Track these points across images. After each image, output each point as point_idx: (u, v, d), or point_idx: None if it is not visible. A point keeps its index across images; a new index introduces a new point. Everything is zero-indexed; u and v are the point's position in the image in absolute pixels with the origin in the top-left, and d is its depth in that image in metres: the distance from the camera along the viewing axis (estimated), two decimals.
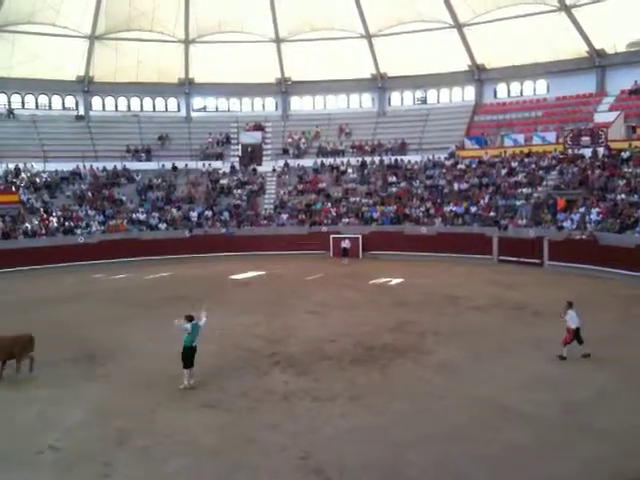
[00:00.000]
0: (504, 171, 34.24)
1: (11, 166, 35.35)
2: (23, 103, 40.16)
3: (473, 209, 32.28)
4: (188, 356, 13.24)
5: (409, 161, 38.06)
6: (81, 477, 9.62)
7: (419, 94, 43.05)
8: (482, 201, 32.61)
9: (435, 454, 9.95)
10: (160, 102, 43.48)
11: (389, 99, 43.50)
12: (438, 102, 42.44)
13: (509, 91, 41.10)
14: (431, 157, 37.48)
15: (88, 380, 13.87)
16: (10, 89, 39.36)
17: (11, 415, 11.91)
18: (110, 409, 12.15)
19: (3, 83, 38.55)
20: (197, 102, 43.90)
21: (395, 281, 25.76)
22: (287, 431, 11.00)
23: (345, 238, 32.21)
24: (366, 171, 38.04)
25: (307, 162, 39.68)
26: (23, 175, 35.24)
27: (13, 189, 33.87)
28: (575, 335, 14.20)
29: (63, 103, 41.36)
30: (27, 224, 31.62)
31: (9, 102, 39.55)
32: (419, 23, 39.27)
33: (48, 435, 10.95)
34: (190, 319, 13.47)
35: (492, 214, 31.48)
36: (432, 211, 33.27)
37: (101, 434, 11.00)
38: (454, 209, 32.66)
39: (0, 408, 12.28)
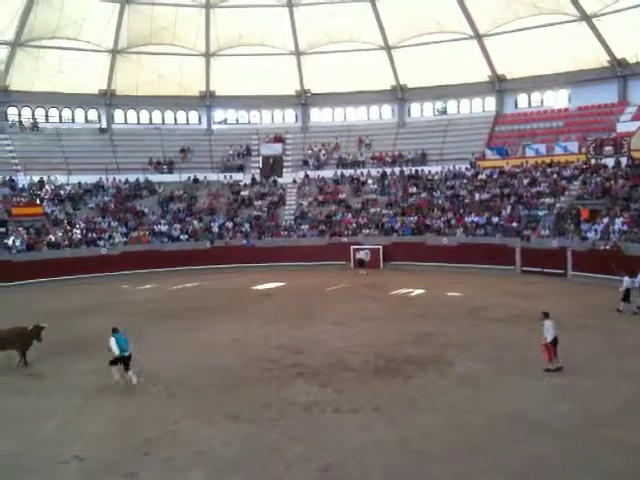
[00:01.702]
0: (526, 181, 34.03)
1: (35, 178, 35.93)
2: (47, 117, 40.83)
3: (495, 220, 32.08)
4: (117, 361, 14.00)
5: (429, 172, 37.99)
6: None
7: (439, 105, 43.03)
8: (504, 211, 32.41)
9: (458, 467, 9.87)
10: (181, 115, 43.95)
11: (409, 110, 43.52)
12: (458, 113, 42.36)
13: (530, 101, 40.89)
14: (452, 167, 37.40)
15: (112, 390, 13.96)
16: (34, 103, 40.05)
17: (37, 425, 12.04)
18: (134, 419, 12.23)
19: (27, 97, 39.22)
20: (218, 115, 44.30)
21: (416, 292, 25.66)
22: (309, 443, 10.99)
23: (362, 249, 32.14)
24: (386, 182, 38.05)
25: (327, 173, 39.80)
26: (47, 187, 35.79)
27: (37, 201, 34.42)
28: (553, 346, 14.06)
29: (86, 116, 41.98)
30: (51, 236, 32.07)
31: (33, 116, 40.24)
32: (438, 34, 39.32)
33: (73, 445, 11.05)
34: (115, 331, 14.19)
35: (514, 225, 31.26)
36: (453, 222, 33.14)
37: (125, 444, 11.08)
38: (476, 220, 32.50)
39: (27, 418, 12.43)
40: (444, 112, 42.92)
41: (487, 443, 10.67)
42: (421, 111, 43.52)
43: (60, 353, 16.00)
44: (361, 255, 31.79)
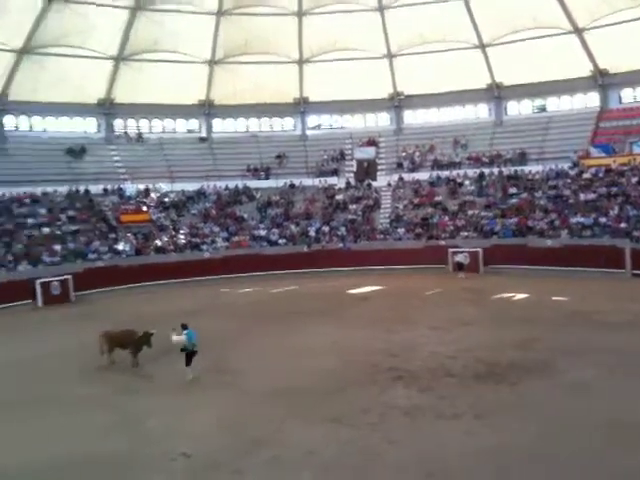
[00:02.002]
0: (635, 180, 32.18)
1: (141, 187, 37.75)
2: (150, 127, 42.80)
3: (602, 220, 30.52)
4: (189, 357, 15.06)
5: (530, 171, 36.69)
6: None
7: (538, 102, 41.53)
8: (611, 212, 30.78)
9: (569, 476, 9.47)
10: (277, 122, 44.81)
11: (506, 108, 42.26)
12: (558, 109, 40.68)
13: (636, 96, 38.67)
14: (553, 167, 35.93)
15: (218, 389, 14.46)
16: (138, 114, 42.05)
17: (146, 423, 12.61)
18: (239, 418, 12.57)
19: (132, 109, 41.24)
20: (312, 120, 44.83)
21: (519, 296, 24.81)
22: (411, 448, 10.89)
23: (460, 252, 31.51)
24: (484, 183, 37.11)
25: (422, 175, 39.30)
26: (152, 195, 37.52)
27: (144, 208, 36.17)
28: None
29: (187, 126, 43.63)
30: (158, 241, 33.59)
31: (138, 127, 42.31)
32: (535, 30, 37.97)
33: (180, 442, 11.49)
34: (185, 327, 15.27)
35: (623, 225, 29.62)
36: (557, 223, 31.82)
37: (231, 443, 11.39)
38: (581, 220, 31.04)
39: (138, 415, 13.06)
40: (543, 109, 41.36)
41: (601, 453, 10.17)
42: (519, 109, 42.16)
43: (167, 354, 16.68)
44: (460, 258, 31.18)
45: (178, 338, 15.16)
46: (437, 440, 11.15)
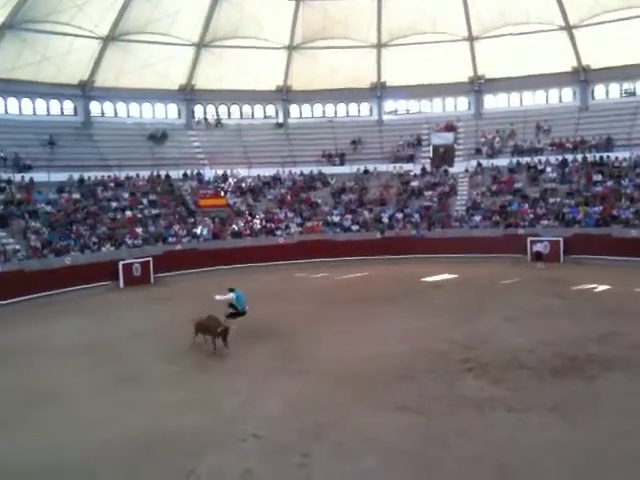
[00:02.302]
0: None
1: (220, 172, 38.52)
2: (229, 113, 43.48)
3: None
4: (238, 315, 17.79)
5: (616, 158, 34.95)
6: (282, 465, 10.19)
7: (627, 86, 39.42)
8: None
9: None
10: (353, 107, 44.56)
11: (592, 92, 40.34)
12: None
13: None
14: None
15: (287, 373, 14.65)
16: (218, 100, 42.72)
17: (220, 403, 12.95)
18: (307, 403, 12.71)
19: (212, 95, 41.91)
20: (389, 105, 44.31)
21: (601, 288, 23.80)
22: (482, 440, 10.70)
23: (539, 241, 30.50)
24: (567, 170, 35.66)
25: (501, 162, 38.15)
26: (230, 180, 38.21)
27: (222, 193, 36.93)
28: None
29: (264, 112, 44.05)
30: (234, 225, 34.25)
31: (217, 112, 43.07)
32: (627, 10, 35.92)
33: (251, 424, 11.74)
34: (232, 290, 17.81)
35: None
36: None
37: (299, 426, 11.54)
38: None
39: (211, 396, 13.39)
40: (632, 94, 39.21)
41: None
42: (606, 93, 40.12)
43: (242, 336, 17.01)
44: (539, 247, 30.18)
45: (222, 297, 17.62)
46: (508, 433, 10.93)
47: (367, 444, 10.69)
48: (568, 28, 38.00)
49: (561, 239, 30.66)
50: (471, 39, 40.31)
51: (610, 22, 36.55)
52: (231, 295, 17.87)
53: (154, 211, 33.74)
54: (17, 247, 27.30)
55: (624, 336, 16.45)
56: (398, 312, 20.61)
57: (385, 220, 35.24)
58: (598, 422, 11.08)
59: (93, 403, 13.24)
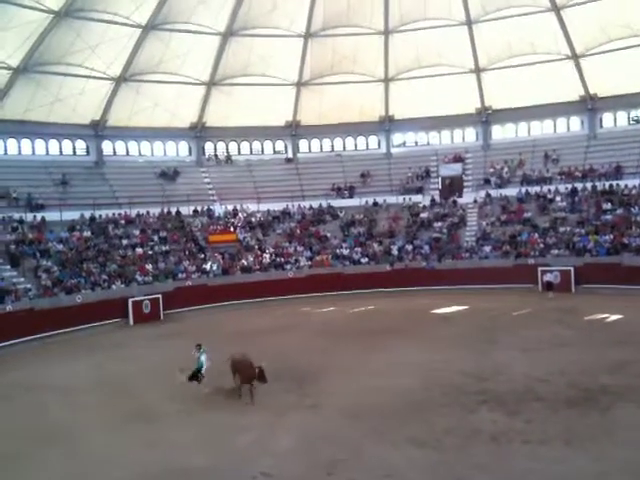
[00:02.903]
0: None
1: (230, 207, 38.79)
2: (239, 149, 43.96)
3: None
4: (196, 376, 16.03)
5: (626, 186, 34.87)
6: None
7: (634, 114, 39.51)
8: None
9: None
10: (361, 141, 44.92)
11: (601, 121, 40.48)
12: None
13: None
14: None
15: (298, 408, 14.50)
16: (228, 137, 43.27)
17: (230, 440, 12.80)
18: (319, 438, 12.55)
19: (222, 132, 42.52)
20: (397, 138, 44.63)
21: (613, 317, 23.53)
22: (498, 473, 10.54)
23: (549, 271, 30.25)
24: (577, 198, 35.58)
25: (510, 192, 38.15)
26: (240, 215, 38.43)
27: (232, 229, 37.10)
28: None
29: (274, 147, 44.42)
30: (244, 260, 34.31)
31: (227, 149, 43.55)
32: (632, 39, 36.20)
33: (262, 461, 11.57)
34: (199, 347, 16.40)
35: None
36: None
37: (311, 462, 11.38)
38: None
39: (221, 434, 13.25)
40: None
41: None
42: (614, 121, 40.22)
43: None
44: (549, 277, 29.95)
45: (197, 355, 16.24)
46: (525, 466, 10.72)
47: None
48: (574, 57, 38.33)
49: (572, 268, 30.46)
50: (478, 71, 40.71)
51: (616, 50, 36.84)
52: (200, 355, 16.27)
53: (164, 247, 33.90)
54: (28, 286, 27.43)
55: (637, 366, 16.21)
56: (409, 345, 20.42)
57: (395, 252, 35.18)
58: (612, 453, 10.88)
59: (102, 441, 13.14)
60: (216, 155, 42.85)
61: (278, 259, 34.84)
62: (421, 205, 39.26)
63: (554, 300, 27.98)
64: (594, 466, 10.43)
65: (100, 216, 34.50)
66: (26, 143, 36.46)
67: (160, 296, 29.56)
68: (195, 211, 37.78)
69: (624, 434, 11.67)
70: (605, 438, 11.57)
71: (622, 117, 39.98)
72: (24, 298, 26.54)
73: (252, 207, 39.28)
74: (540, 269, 30.97)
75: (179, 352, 21.28)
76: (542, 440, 11.69)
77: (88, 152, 38.79)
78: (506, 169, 39.83)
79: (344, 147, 44.53)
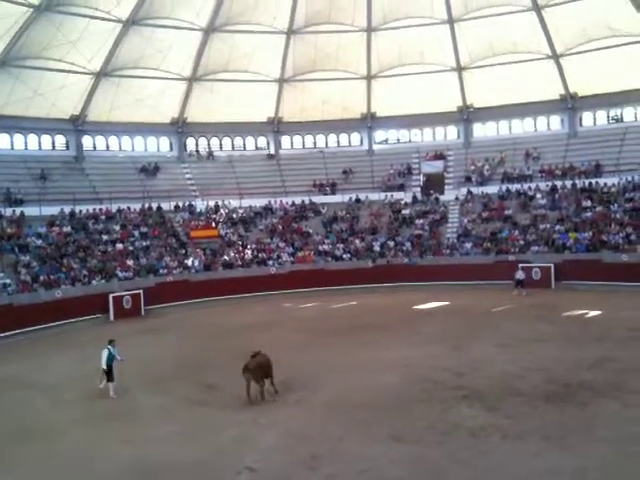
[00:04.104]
0: None
1: (211, 203, 38.59)
2: (221, 145, 43.79)
3: None
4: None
5: (605, 184, 35.32)
6: None
7: (614, 112, 40.00)
8: None
9: None
10: (344, 137, 44.94)
11: (580, 119, 40.91)
12: (636, 120, 39.05)
13: None
14: (630, 178, 34.47)
15: (282, 405, 14.50)
16: (209, 133, 43.07)
17: (214, 436, 12.78)
18: (302, 434, 12.58)
19: (203, 128, 42.31)
20: (379, 135, 44.75)
21: (592, 313, 23.83)
22: (476, 468, 10.62)
23: (519, 269, 30.32)
24: (557, 196, 35.97)
25: (491, 189, 38.46)
26: (222, 211, 38.31)
27: (213, 224, 36.96)
28: None
29: (256, 143, 44.32)
30: (225, 256, 34.21)
31: (209, 145, 43.36)
32: (611, 39, 36.64)
33: (246, 456, 11.59)
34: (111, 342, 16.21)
35: None
36: (633, 237, 30.46)
37: (294, 458, 11.42)
38: None
39: (205, 429, 13.23)
40: (619, 120, 39.79)
41: None
42: (594, 120, 40.69)
43: (236, 367, 16.84)
44: (519, 275, 29.95)
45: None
46: (503, 461, 10.82)
47: (361, 476, 10.56)
48: (555, 57, 38.69)
49: (552, 265, 30.79)
50: (459, 69, 40.94)
51: (596, 50, 37.23)
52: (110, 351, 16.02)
53: (145, 243, 33.70)
54: (7, 281, 27.14)
55: (615, 362, 16.44)
56: (390, 341, 20.53)
57: (377, 249, 35.32)
58: (590, 449, 11.00)
59: (83, 438, 13.06)
60: (197, 151, 42.64)
61: (260, 255, 34.80)
62: (403, 202, 39.43)
63: (534, 296, 28.13)
64: (572, 461, 10.55)
65: (80, 211, 34.22)
66: (4, 137, 36.07)
67: (141, 292, 29.41)
68: (176, 207, 37.59)
69: (602, 430, 11.81)
70: (583, 434, 11.71)
71: (602, 116, 40.46)
72: (3, 293, 26.29)
73: (234, 203, 39.15)
74: (520, 266, 31.13)
75: (160, 347, 21.40)
76: (520, 435, 11.80)
77: (68, 147, 38.44)
78: (487, 167, 40.14)
79: (326, 144, 44.54)
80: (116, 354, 16.03)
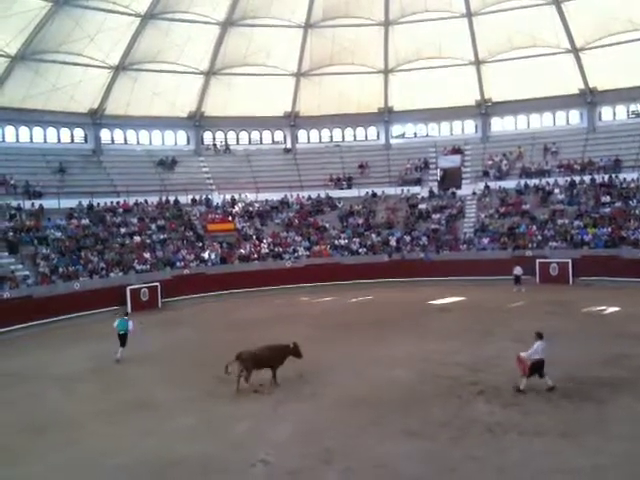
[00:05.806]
0: None
1: (228, 197, 38.74)
2: (238, 139, 43.87)
3: None
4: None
5: (624, 179, 34.93)
6: None
7: (633, 107, 39.48)
8: None
9: None
10: (360, 131, 44.84)
11: (600, 114, 40.44)
12: None
13: None
14: None
15: (296, 398, 14.52)
16: (226, 127, 43.18)
17: (229, 428, 12.83)
18: (317, 428, 12.58)
19: (220, 121, 42.41)
20: (396, 129, 44.56)
21: (610, 310, 23.60)
22: (492, 465, 10.56)
23: (517, 265, 29.90)
24: (575, 191, 35.64)
25: (509, 184, 38.18)
26: (238, 205, 38.42)
27: (230, 218, 37.09)
28: (534, 368, 13.91)
29: (273, 137, 44.37)
30: (242, 250, 34.33)
31: (226, 139, 43.45)
32: (632, 33, 36.10)
33: (260, 449, 11.62)
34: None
35: None
36: None
37: (308, 451, 11.42)
38: None
39: (220, 422, 13.28)
40: (639, 115, 39.26)
41: None
42: (613, 115, 40.21)
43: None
44: (517, 271, 29.59)
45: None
46: (520, 457, 10.76)
47: (376, 470, 10.56)
48: (574, 51, 38.25)
49: (570, 261, 30.54)
50: (478, 63, 40.62)
51: (616, 44, 36.78)
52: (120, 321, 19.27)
53: (162, 236, 33.90)
54: (26, 273, 27.47)
55: (633, 359, 16.28)
56: (406, 336, 20.47)
57: (393, 243, 35.23)
58: (607, 447, 10.90)
59: (101, 430, 13.14)
60: (214, 145, 42.76)
61: (276, 249, 34.87)
62: (419, 196, 39.29)
63: (551, 292, 27.82)
64: (589, 459, 10.46)
65: (98, 204, 34.49)
66: (24, 131, 36.40)
67: (158, 284, 29.59)
68: (193, 200, 37.76)
69: (619, 427, 11.72)
70: (600, 431, 11.61)
71: (621, 111, 39.98)
72: (22, 285, 26.58)
73: (250, 197, 39.25)
74: (538, 261, 30.84)
75: (177, 339, 21.53)
76: (538, 432, 11.72)
77: (86, 140, 38.76)
78: (505, 161, 39.83)
79: (343, 138, 44.49)
80: (128, 325, 18.88)
